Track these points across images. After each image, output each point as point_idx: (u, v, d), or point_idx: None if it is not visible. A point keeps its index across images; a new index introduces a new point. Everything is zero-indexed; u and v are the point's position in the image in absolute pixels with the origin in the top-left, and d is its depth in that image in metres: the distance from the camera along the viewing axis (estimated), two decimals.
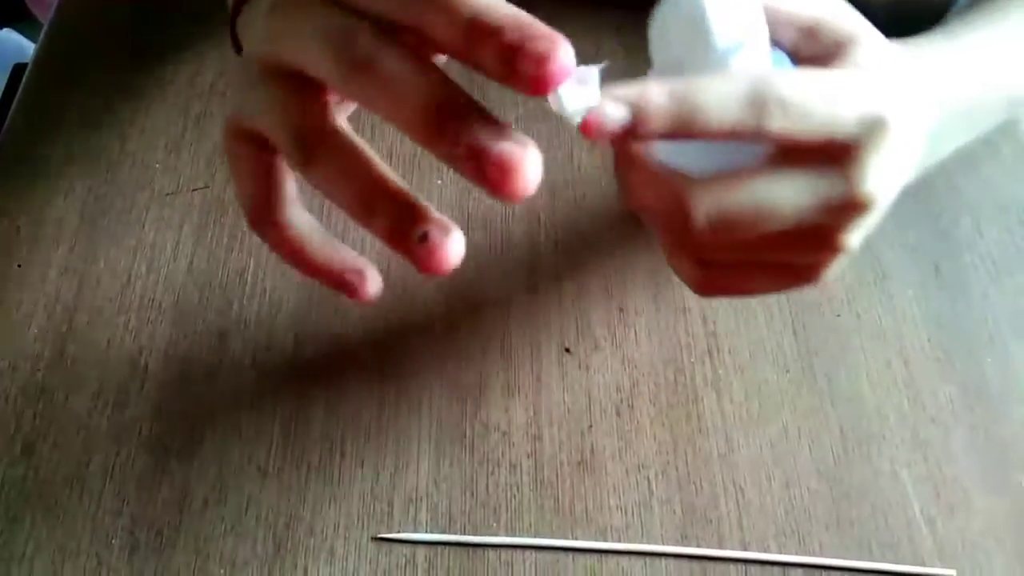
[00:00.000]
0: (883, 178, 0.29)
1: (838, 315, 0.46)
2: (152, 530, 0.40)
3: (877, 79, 0.29)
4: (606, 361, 0.45)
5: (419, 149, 0.51)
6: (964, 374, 0.44)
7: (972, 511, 0.41)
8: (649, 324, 0.46)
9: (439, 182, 0.50)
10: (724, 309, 0.46)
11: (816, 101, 0.27)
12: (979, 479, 0.42)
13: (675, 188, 0.28)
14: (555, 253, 0.48)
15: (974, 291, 0.47)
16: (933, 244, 0.48)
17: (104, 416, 0.43)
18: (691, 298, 0.46)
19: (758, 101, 0.26)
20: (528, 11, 0.22)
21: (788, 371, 0.44)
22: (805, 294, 0.46)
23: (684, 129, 0.26)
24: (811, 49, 0.30)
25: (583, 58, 0.22)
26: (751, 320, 0.46)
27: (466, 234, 0.47)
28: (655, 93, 0.26)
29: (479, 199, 0.49)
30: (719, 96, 0.26)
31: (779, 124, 0.26)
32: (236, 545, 0.40)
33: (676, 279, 0.46)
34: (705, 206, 0.28)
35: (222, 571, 0.39)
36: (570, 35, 0.22)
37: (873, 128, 0.28)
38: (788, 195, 0.28)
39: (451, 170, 0.51)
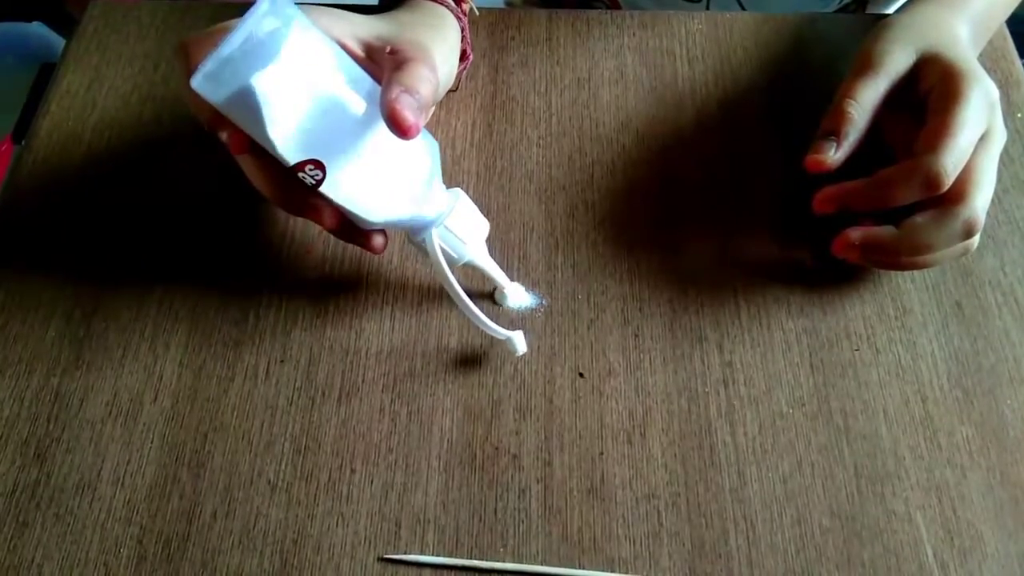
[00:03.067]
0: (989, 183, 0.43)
1: (856, 350, 0.45)
2: (160, 541, 0.40)
3: (970, 102, 0.42)
4: (620, 387, 0.44)
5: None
6: (982, 415, 0.44)
7: (986, 556, 0.40)
8: (664, 352, 0.45)
9: None
10: (741, 339, 0.45)
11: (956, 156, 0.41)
12: (994, 523, 0.41)
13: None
14: (572, 275, 0.48)
15: (995, 330, 0.46)
16: (955, 281, 0.47)
17: (117, 424, 0.43)
18: (708, 327, 0.46)
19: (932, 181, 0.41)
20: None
21: (804, 405, 0.44)
22: (823, 329, 0.46)
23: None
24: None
25: None
26: (768, 352, 0.45)
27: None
28: None
29: (497, 218, 0.49)
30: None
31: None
32: (243, 559, 0.40)
33: (693, 307, 0.46)
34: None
35: None
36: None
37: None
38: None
39: (470, 188, 0.51)
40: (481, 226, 0.44)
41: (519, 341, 0.43)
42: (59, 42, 1.21)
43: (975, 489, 0.42)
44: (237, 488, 0.42)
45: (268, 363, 0.45)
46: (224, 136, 0.39)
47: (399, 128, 0.36)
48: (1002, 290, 0.47)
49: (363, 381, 0.44)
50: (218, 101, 0.36)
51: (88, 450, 0.42)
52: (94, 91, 0.55)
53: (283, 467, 0.42)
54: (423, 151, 0.42)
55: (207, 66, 0.35)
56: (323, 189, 0.39)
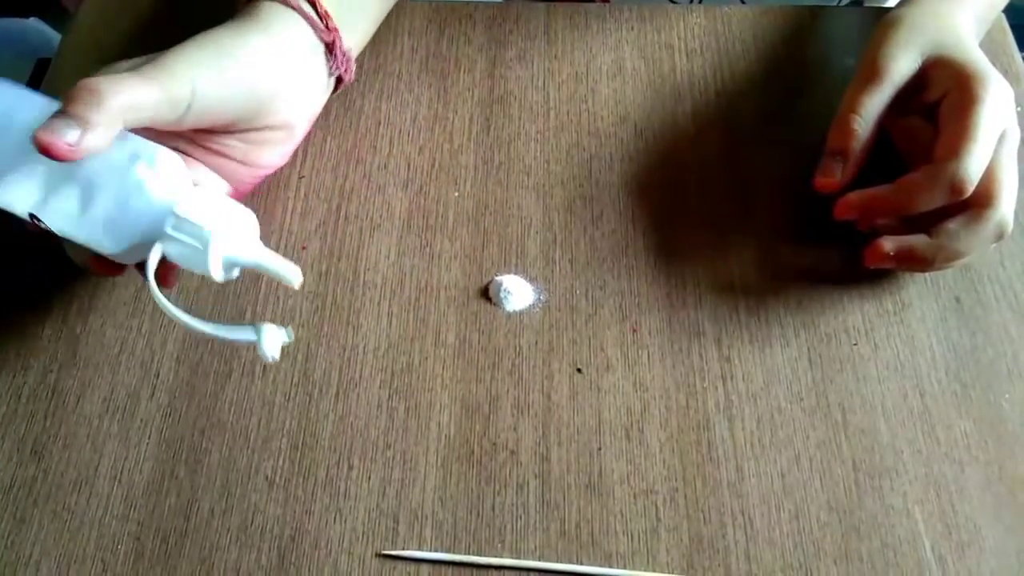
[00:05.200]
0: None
1: (855, 344, 0.45)
2: (158, 537, 0.40)
3: (983, 103, 0.42)
4: (618, 383, 0.44)
5: (437, 160, 0.51)
6: (981, 409, 0.44)
7: (984, 550, 0.40)
8: (663, 347, 0.45)
9: (456, 194, 0.50)
10: (739, 334, 0.45)
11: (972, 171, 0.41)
12: (992, 517, 0.41)
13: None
14: (570, 270, 0.47)
15: (994, 324, 0.46)
16: (954, 275, 0.47)
17: (114, 420, 0.43)
18: (706, 322, 0.46)
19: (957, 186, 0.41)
20: None
21: (802, 400, 0.44)
22: (821, 324, 0.46)
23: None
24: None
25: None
26: (766, 347, 0.45)
27: (482, 248, 0.47)
28: None
29: (495, 213, 0.49)
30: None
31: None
32: (240, 555, 0.40)
33: (691, 301, 0.46)
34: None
35: None
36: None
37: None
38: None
39: (467, 183, 0.51)
40: (234, 216, 0.38)
41: (268, 338, 0.37)
42: (56, 37, 1.21)
43: (973, 483, 0.42)
44: (234, 484, 0.42)
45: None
46: None
47: (43, 151, 0.35)
48: (1001, 284, 0.47)
49: (360, 377, 0.44)
50: None
51: (85, 446, 0.42)
52: None
53: (280, 463, 0.42)
54: (115, 163, 0.38)
55: None
56: (55, 230, 0.39)
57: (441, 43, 0.56)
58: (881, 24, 0.47)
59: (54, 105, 0.37)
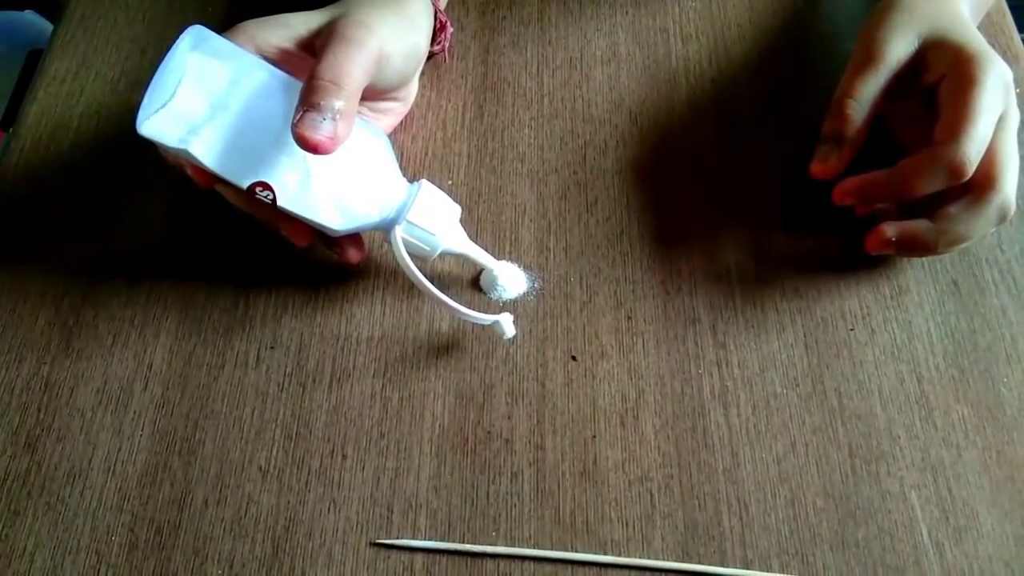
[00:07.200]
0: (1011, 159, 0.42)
1: (851, 329, 0.45)
2: (151, 528, 0.40)
3: (983, 79, 0.41)
4: (612, 370, 0.44)
5: (430, 148, 0.50)
6: (978, 394, 0.43)
7: (981, 535, 0.40)
8: (657, 334, 0.45)
9: (449, 182, 0.49)
10: (735, 320, 0.45)
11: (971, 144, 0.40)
12: (989, 502, 0.41)
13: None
14: (564, 258, 0.47)
15: (992, 308, 0.46)
16: (952, 259, 0.47)
17: (107, 412, 0.43)
18: (701, 308, 0.45)
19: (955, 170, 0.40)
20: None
21: (798, 386, 0.43)
22: (818, 309, 0.45)
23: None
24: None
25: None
26: (762, 333, 0.45)
27: (475, 237, 0.47)
28: None
29: (488, 201, 0.49)
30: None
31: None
32: (234, 546, 0.40)
33: (686, 288, 0.45)
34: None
35: (220, 572, 0.39)
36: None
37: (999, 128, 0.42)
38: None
39: (461, 171, 0.51)
40: (450, 212, 0.43)
41: (507, 324, 0.43)
42: (50, 29, 1.20)
43: (970, 468, 0.41)
44: (228, 475, 0.41)
45: (258, 349, 0.45)
46: (188, 171, 0.40)
47: (309, 149, 0.36)
48: (999, 268, 0.47)
49: (354, 367, 0.44)
50: (167, 148, 0.39)
51: (79, 438, 0.42)
52: (82, 77, 0.54)
53: (274, 453, 0.42)
54: (369, 150, 0.41)
55: (140, 125, 0.38)
56: (281, 205, 0.39)
57: None
58: (877, 7, 0.46)
59: (281, 75, 0.40)
